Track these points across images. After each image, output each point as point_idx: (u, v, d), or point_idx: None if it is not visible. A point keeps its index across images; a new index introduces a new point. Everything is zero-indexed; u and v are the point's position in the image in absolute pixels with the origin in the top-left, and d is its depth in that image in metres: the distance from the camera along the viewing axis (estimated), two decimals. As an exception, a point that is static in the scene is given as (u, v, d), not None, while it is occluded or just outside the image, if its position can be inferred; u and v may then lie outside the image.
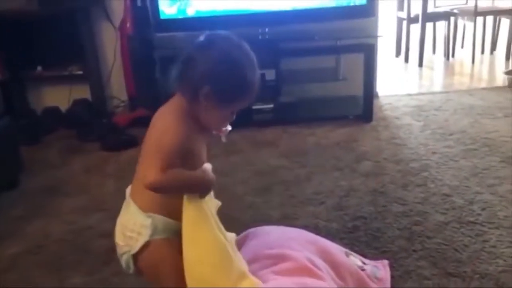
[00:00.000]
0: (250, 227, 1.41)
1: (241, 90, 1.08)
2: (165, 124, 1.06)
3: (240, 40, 1.11)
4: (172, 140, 1.03)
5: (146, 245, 1.10)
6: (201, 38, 1.11)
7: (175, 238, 1.10)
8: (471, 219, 1.70)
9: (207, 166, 1.13)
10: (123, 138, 2.69)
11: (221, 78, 1.05)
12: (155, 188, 1.02)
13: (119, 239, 1.16)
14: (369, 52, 2.71)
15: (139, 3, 2.89)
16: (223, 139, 1.18)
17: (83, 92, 3.08)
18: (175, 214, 1.10)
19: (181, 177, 1.05)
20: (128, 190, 1.17)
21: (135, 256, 1.12)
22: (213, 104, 1.07)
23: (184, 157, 1.05)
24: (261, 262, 1.17)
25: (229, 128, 1.17)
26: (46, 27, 2.92)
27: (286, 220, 1.77)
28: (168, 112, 1.09)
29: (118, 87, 3.16)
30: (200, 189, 1.08)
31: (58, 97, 3.12)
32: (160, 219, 1.11)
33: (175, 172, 1.02)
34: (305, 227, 1.56)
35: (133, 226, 1.11)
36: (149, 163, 1.03)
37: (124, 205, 1.17)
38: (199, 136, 1.12)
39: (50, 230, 1.83)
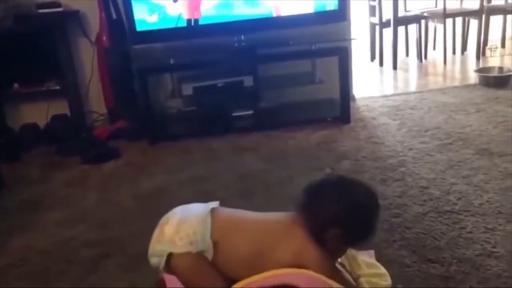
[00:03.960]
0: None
1: (368, 236, 1.19)
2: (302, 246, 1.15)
3: (371, 188, 1.23)
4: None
5: (185, 255, 1.17)
6: (336, 178, 1.21)
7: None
8: (448, 208, 1.75)
9: None
10: (104, 150, 2.69)
11: (354, 225, 1.15)
12: None
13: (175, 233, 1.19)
14: (343, 55, 2.78)
15: (114, 16, 2.91)
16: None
17: (61, 107, 3.08)
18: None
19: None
20: (210, 206, 1.24)
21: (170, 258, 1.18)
22: (337, 244, 1.15)
23: None
24: None
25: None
26: (22, 43, 2.91)
27: (270, 220, 1.79)
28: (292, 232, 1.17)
29: (96, 101, 3.16)
30: None
31: (36, 113, 3.10)
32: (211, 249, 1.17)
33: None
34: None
35: (192, 234, 1.18)
36: None
37: (201, 212, 1.22)
38: None
39: (33, 243, 1.81)
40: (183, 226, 1.19)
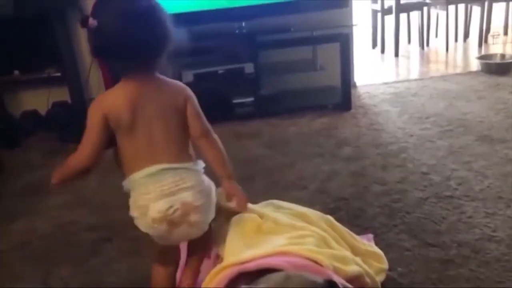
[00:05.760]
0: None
1: (169, 37, 1.14)
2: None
3: None
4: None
5: None
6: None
7: None
8: (448, 193, 1.75)
9: None
10: (105, 137, 2.69)
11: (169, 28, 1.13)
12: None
13: (199, 200, 1.15)
14: (344, 42, 2.76)
15: (114, 2, 2.88)
16: None
17: (62, 94, 3.06)
18: None
19: None
20: (159, 166, 1.14)
21: None
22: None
23: None
24: None
25: None
26: (22, 30, 2.89)
27: (270, 205, 1.80)
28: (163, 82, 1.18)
29: (97, 87, 3.14)
30: None
31: (36, 100, 3.09)
32: None
33: None
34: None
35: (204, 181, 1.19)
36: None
37: (174, 178, 1.13)
38: None
39: (35, 227, 1.82)
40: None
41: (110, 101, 1.13)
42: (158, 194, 1.11)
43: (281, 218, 1.28)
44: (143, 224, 1.14)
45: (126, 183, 1.18)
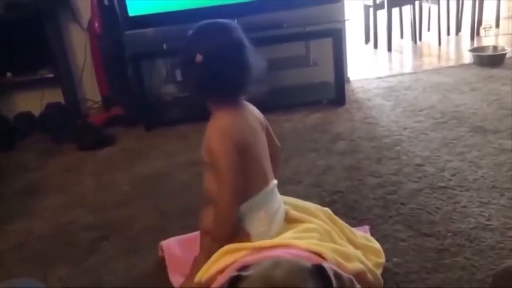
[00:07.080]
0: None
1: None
2: None
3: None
4: None
5: None
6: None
7: None
8: (443, 184, 1.77)
9: None
10: (99, 137, 2.69)
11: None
12: None
13: None
14: (337, 37, 2.77)
15: (106, 2, 2.88)
16: None
17: (55, 95, 3.06)
18: None
19: None
20: (272, 183, 1.24)
21: None
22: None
23: None
24: None
25: None
26: (14, 32, 2.89)
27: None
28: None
29: (90, 88, 3.14)
30: None
31: (30, 102, 3.08)
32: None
33: None
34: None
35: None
36: None
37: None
38: None
39: (32, 228, 1.82)
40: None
41: (232, 129, 1.15)
42: (277, 206, 1.22)
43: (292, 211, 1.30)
44: (265, 237, 1.19)
45: (246, 206, 1.19)
